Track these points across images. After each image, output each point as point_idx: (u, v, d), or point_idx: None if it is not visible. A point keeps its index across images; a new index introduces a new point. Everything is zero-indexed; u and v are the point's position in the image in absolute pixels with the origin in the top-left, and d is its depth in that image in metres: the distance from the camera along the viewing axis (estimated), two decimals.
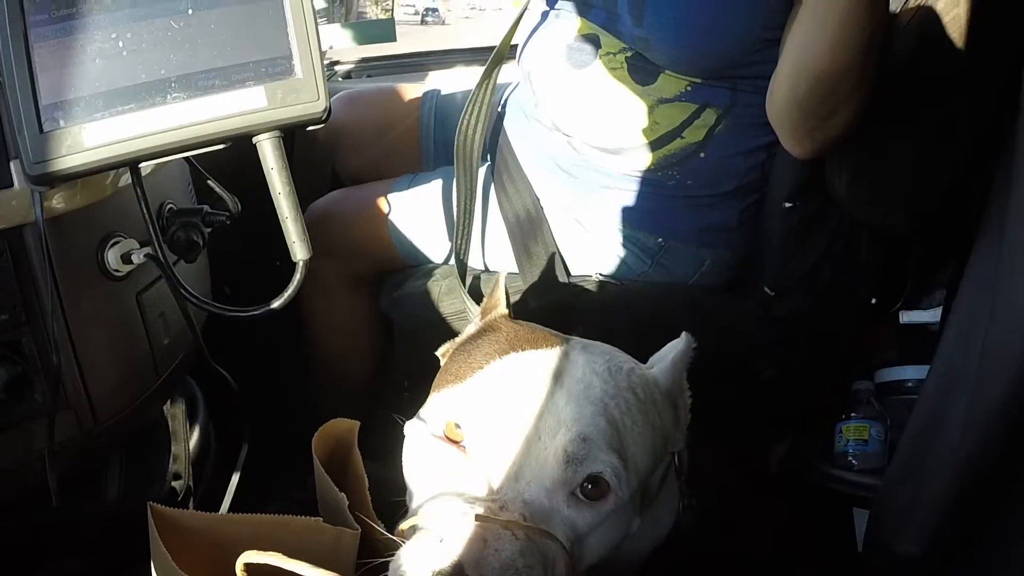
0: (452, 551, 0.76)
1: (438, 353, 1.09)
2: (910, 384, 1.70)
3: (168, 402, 1.44)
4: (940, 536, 1.01)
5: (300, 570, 0.72)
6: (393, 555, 0.80)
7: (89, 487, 1.30)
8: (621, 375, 0.93)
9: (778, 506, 1.34)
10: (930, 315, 1.73)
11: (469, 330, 1.09)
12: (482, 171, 1.59)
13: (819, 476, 1.65)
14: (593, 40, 1.52)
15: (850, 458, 1.62)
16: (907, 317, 1.75)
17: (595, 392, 0.89)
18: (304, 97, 0.90)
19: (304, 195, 0.98)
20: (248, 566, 0.74)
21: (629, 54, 1.48)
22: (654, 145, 1.49)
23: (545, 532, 0.81)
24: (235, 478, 1.28)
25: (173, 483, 1.37)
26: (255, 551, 0.73)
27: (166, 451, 1.39)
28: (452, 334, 1.12)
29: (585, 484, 0.85)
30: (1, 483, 1.08)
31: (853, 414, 1.66)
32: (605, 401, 0.88)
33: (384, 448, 1.00)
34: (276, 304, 1.02)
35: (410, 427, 0.95)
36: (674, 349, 1.01)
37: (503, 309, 1.08)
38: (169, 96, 0.87)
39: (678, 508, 1.03)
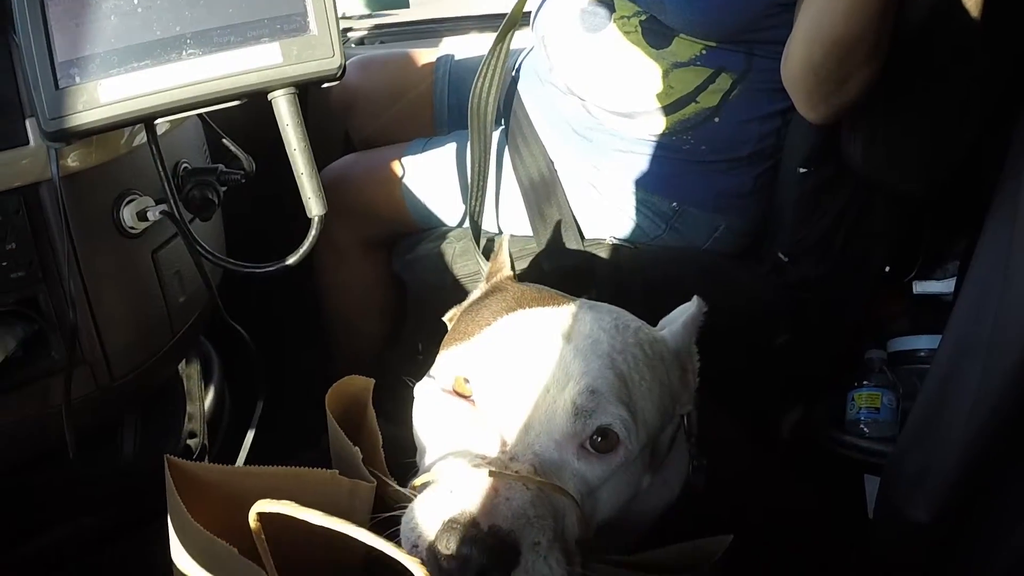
0: (464, 501, 0.77)
1: (445, 318, 1.10)
2: (922, 353, 1.70)
3: (183, 362, 1.45)
4: (951, 503, 1.01)
5: (312, 519, 0.72)
6: (405, 508, 0.81)
7: (105, 446, 1.32)
8: (628, 332, 0.94)
9: (789, 472, 1.34)
10: (943, 285, 1.74)
11: (475, 293, 1.09)
12: (496, 135, 1.58)
13: (831, 443, 1.65)
14: (607, 3, 1.51)
15: (862, 425, 1.63)
16: (920, 287, 1.76)
17: (602, 347, 0.89)
18: (319, 53, 0.89)
19: (317, 160, 0.98)
20: (262, 517, 0.74)
21: (643, 17, 1.47)
22: (668, 110, 1.49)
23: (556, 487, 0.82)
24: (250, 435, 1.30)
25: (188, 441, 1.39)
26: (268, 500, 0.73)
27: (181, 410, 1.40)
28: (465, 296, 1.13)
29: (595, 437, 0.86)
30: (19, 439, 1.09)
31: (865, 382, 1.66)
32: (612, 356, 0.89)
33: (397, 410, 1.00)
34: (291, 260, 1.02)
35: (420, 385, 0.96)
36: (685, 312, 1.02)
37: (508, 271, 1.08)
38: (184, 52, 0.87)
39: (688, 470, 1.04)
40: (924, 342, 1.72)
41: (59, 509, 1.29)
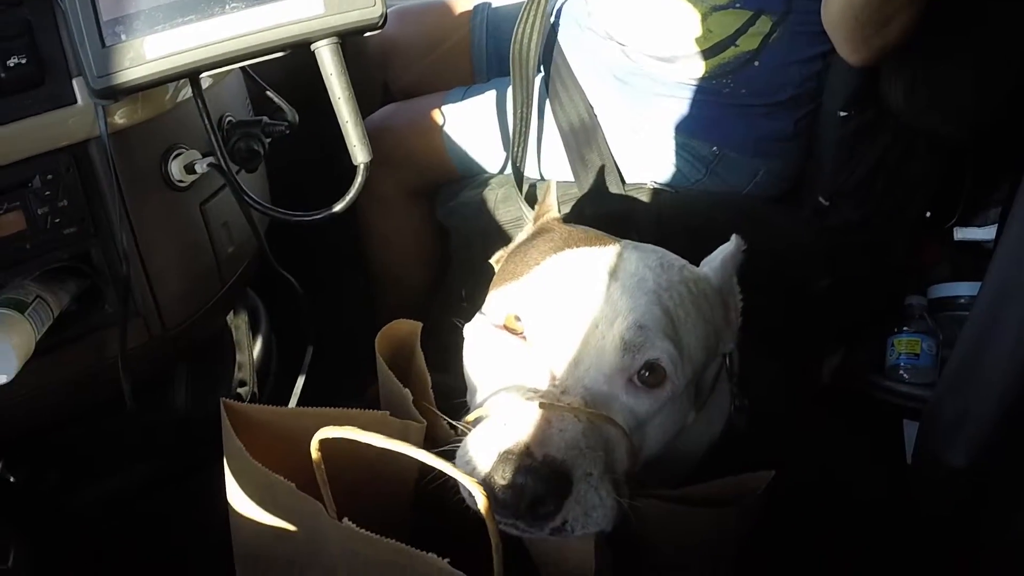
0: (517, 432, 0.79)
1: (492, 260, 1.11)
2: (963, 300, 1.70)
3: (232, 313, 1.48)
4: (989, 448, 1.02)
5: (375, 442, 0.74)
6: (459, 443, 0.83)
7: (158, 397, 1.35)
8: (673, 270, 0.96)
9: (829, 415, 1.35)
10: (984, 232, 1.73)
11: (521, 236, 1.11)
12: (536, 82, 1.58)
13: (870, 387, 1.66)
14: None
15: (901, 371, 1.63)
16: (961, 234, 1.75)
17: (648, 284, 0.91)
18: (360, 3, 0.90)
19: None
20: (322, 447, 0.77)
21: None
22: (708, 53, 1.47)
23: (606, 417, 0.84)
24: (300, 380, 1.32)
25: (239, 390, 1.42)
26: (331, 427, 0.75)
27: (231, 360, 1.44)
28: (508, 241, 1.14)
29: (643, 371, 0.88)
30: (76, 391, 1.12)
31: (905, 328, 1.66)
32: (658, 292, 0.91)
33: (441, 357, 1.02)
34: (338, 207, 1.03)
35: (471, 324, 0.99)
36: (724, 251, 1.03)
37: (555, 213, 1.10)
38: (228, 6, 0.88)
39: (730, 410, 1.05)
40: (964, 289, 1.71)
41: (115, 458, 1.34)
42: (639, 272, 0.92)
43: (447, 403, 0.95)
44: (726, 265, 1.02)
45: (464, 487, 0.80)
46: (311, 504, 0.78)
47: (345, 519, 0.77)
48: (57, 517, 1.30)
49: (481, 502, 0.73)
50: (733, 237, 1.03)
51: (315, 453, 0.76)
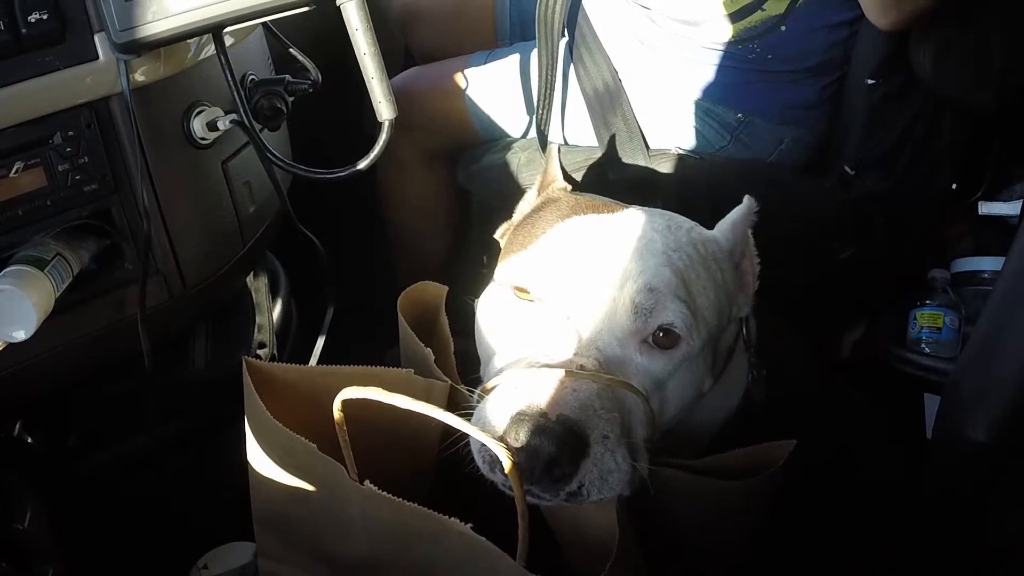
0: (531, 395, 0.78)
1: (496, 235, 1.11)
2: (986, 275, 1.69)
3: (252, 275, 1.48)
4: (1010, 423, 1.01)
5: (398, 402, 0.74)
6: (476, 406, 0.83)
7: (178, 358, 1.36)
8: (681, 232, 0.95)
9: (849, 388, 1.34)
10: (1009, 207, 1.71)
11: (527, 206, 1.10)
12: (560, 46, 1.57)
13: (891, 359, 1.65)
14: None
15: (923, 344, 1.62)
16: (986, 208, 1.73)
17: (657, 246, 0.91)
18: None
19: None
20: (344, 408, 0.76)
21: None
22: (734, 17, 1.45)
23: (621, 381, 0.83)
24: (321, 340, 1.33)
25: (258, 351, 1.43)
26: (354, 387, 0.75)
27: (251, 322, 1.44)
28: None
29: (657, 333, 0.87)
30: (95, 349, 1.12)
31: (928, 301, 1.65)
32: (668, 254, 0.90)
33: (459, 323, 1.02)
34: (362, 164, 1.03)
35: (483, 295, 0.98)
36: (735, 212, 1.02)
37: (561, 183, 1.09)
38: None
39: (748, 381, 1.05)
40: (988, 263, 1.70)
41: (135, 418, 1.35)
42: (647, 235, 0.92)
43: (467, 372, 0.95)
44: (736, 226, 1.01)
45: (479, 452, 0.80)
46: (332, 465, 0.78)
47: (367, 482, 0.77)
48: (74, 478, 1.31)
49: (506, 462, 0.72)
50: (745, 198, 1.02)
51: (337, 413, 0.76)
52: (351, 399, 0.76)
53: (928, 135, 1.49)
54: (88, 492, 1.31)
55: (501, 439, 0.76)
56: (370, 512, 0.79)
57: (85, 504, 1.29)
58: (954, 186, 1.63)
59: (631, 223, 0.94)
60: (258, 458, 0.86)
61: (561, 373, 0.80)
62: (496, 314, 0.95)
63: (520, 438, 0.75)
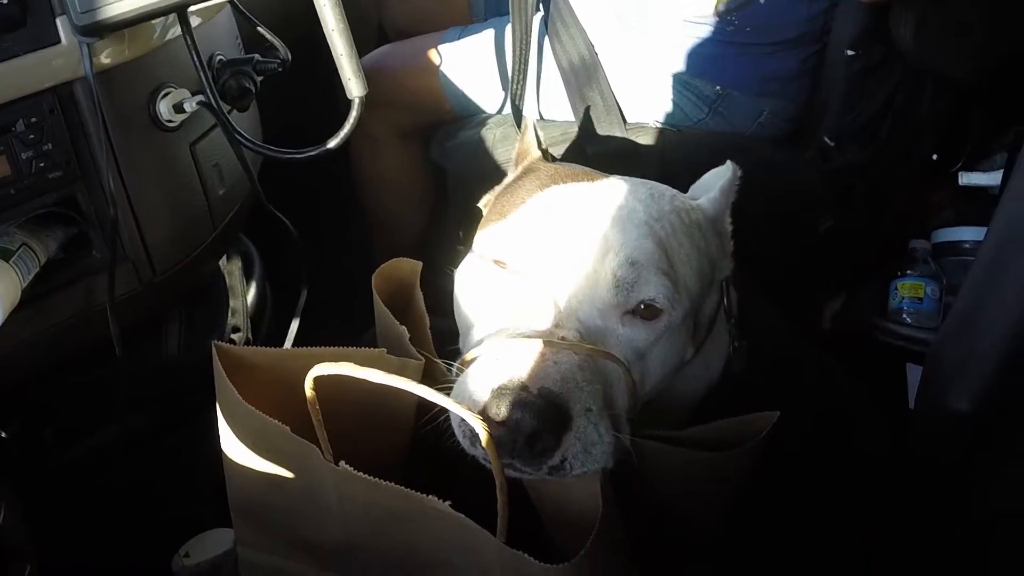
0: (512, 368, 0.77)
1: (480, 204, 1.10)
2: (967, 245, 1.69)
3: (224, 259, 1.46)
4: (992, 392, 1.01)
5: (372, 377, 0.73)
6: (455, 382, 0.82)
7: (150, 345, 1.34)
8: (664, 200, 0.93)
9: (830, 357, 1.34)
10: (989, 178, 1.71)
11: (508, 179, 1.09)
12: (536, 21, 1.55)
13: (872, 329, 1.65)
14: None
15: (904, 315, 1.63)
16: (966, 179, 1.73)
17: (639, 216, 0.89)
18: None
19: None
20: (317, 387, 0.75)
21: None
22: None
23: (603, 352, 0.82)
24: (295, 323, 1.31)
25: (232, 336, 1.41)
26: (326, 363, 0.73)
27: (224, 306, 1.42)
28: None
29: (638, 306, 0.86)
30: (64, 339, 1.11)
31: (909, 271, 1.66)
32: (650, 224, 0.89)
33: (440, 300, 1.01)
34: (332, 143, 1.02)
35: (461, 265, 0.97)
36: (720, 178, 1.01)
37: (536, 152, 1.07)
38: None
39: (729, 351, 1.04)
40: (969, 233, 1.70)
41: (107, 408, 1.33)
42: (628, 204, 0.90)
43: (444, 348, 0.93)
44: (724, 193, 1.00)
45: (459, 426, 0.79)
46: (306, 447, 0.77)
47: (342, 463, 0.75)
48: (48, 472, 1.29)
49: (483, 435, 0.71)
50: (728, 164, 1.01)
51: (309, 392, 0.75)
52: (323, 377, 0.74)
53: (908, 106, 1.49)
54: (65, 484, 1.29)
55: (482, 413, 0.75)
56: (347, 494, 0.78)
57: (63, 496, 1.28)
58: (935, 157, 1.63)
59: (612, 192, 0.93)
60: (231, 444, 0.85)
61: (542, 345, 0.79)
62: (475, 285, 0.93)
63: (501, 412, 0.74)
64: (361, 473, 0.75)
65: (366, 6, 1.96)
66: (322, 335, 1.04)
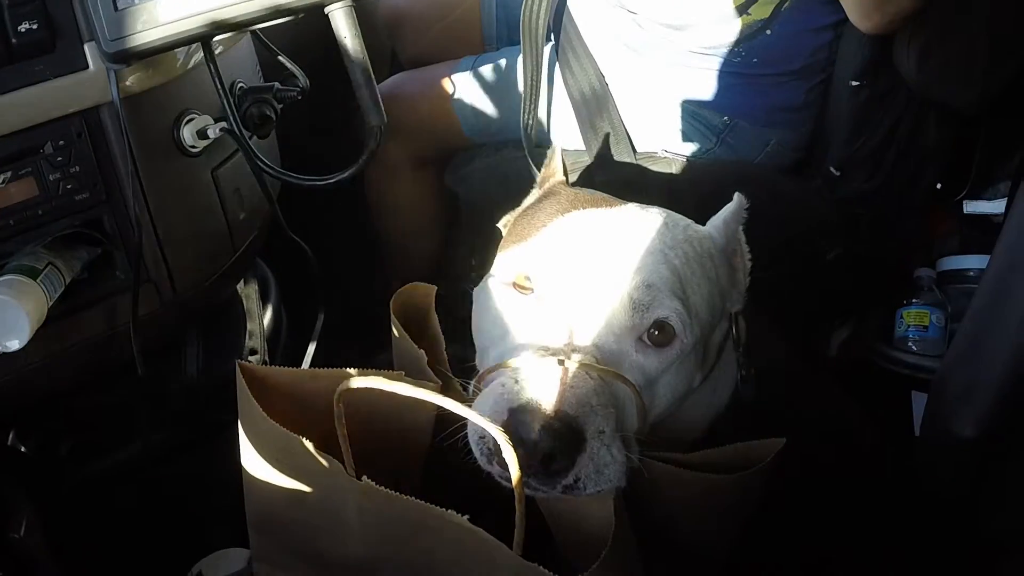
0: (530, 389, 0.79)
1: (499, 224, 1.12)
2: (972, 273, 1.70)
3: (242, 282, 1.48)
4: (996, 419, 1.02)
5: (400, 390, 0.75)
6: (472, 402, 0.84)
7: (170, 366, 1.35)
8: (678, 229, 0.96)
9: (836, 386, 1.35)
10: (993, 206, 1.72)
11: (529, 199, 1.11)
12: (547, 50, 1.58)
13: (878, 358, 1.66)
14: None
15: (910, 343, 1.64)
16: (971, 207, 1.74)
17: (654, 244, 0.92)
18: None
19: None
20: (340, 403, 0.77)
21: None
22: (720, 21, 1.46)
23: (617, 374, 0.84)
24: (312, 346, 1.33)
25: (250, 358, 1.42)
26: (357, 376, 0.76)
27: (242, 329, 1.44)
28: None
29: (652, 330, 0.88)
30: (87, 357, 1.12)
31: (914, 300, 1.67)
32: (665, 251, 0.91)
33: (451, 326, 1.03)
34: (351, 171, 1.04)
35: (480, 286, 0.99)
36: (727, 210, 1.03)
37: (560, 176, 1.10)
38: None
39: (736, 380, 1.06)
40: (973, 262, 1.71)
41: (125, 427, 1.34)
42: (645, 232, 0.93)
43: (457, 372, 0.95)
44: (728, 223, 1.02)
45: (476, 444, 0.81)
46: (329, 462, 0.79)
47: (364, 477, 0.77)
48: (68, 486, 1.30)
49: (504, 447, 0.73)
50: (736, 196, 1.03)
51: (337, 406, 0.77)
52: (344, 397, 0.76)
53: (913, 135, 1.50)
54: (82, 500, 1.31)
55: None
56: (367, 508, 0.80)
57: (80, 512, 1.29)
58: (939, 186, 1.64)
59: (629, 220, 0.95)
60: (252, 461, 0.86)
61: (559, 368, 0.81)
62: (493, 306, 0.95)
63: (519, 433, 0.76)
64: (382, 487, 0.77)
65: (380, 34, 1.99)
66: (336, 357, 1.06)
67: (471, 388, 0.88)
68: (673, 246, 0.93)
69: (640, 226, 0.94)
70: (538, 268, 0.91)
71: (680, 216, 1.00)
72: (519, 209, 1.11)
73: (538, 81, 1.54)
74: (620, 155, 1.55)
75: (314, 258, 1.28)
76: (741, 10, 1.45)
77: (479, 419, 0.75)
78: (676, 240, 0.94)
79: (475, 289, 1.00)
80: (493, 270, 0.99)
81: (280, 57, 1.23)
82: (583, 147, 1.59)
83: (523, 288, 0.92)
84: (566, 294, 0.89)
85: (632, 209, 0.98)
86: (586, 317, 0.87)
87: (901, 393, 1.63)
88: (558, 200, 1.01)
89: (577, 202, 0.99)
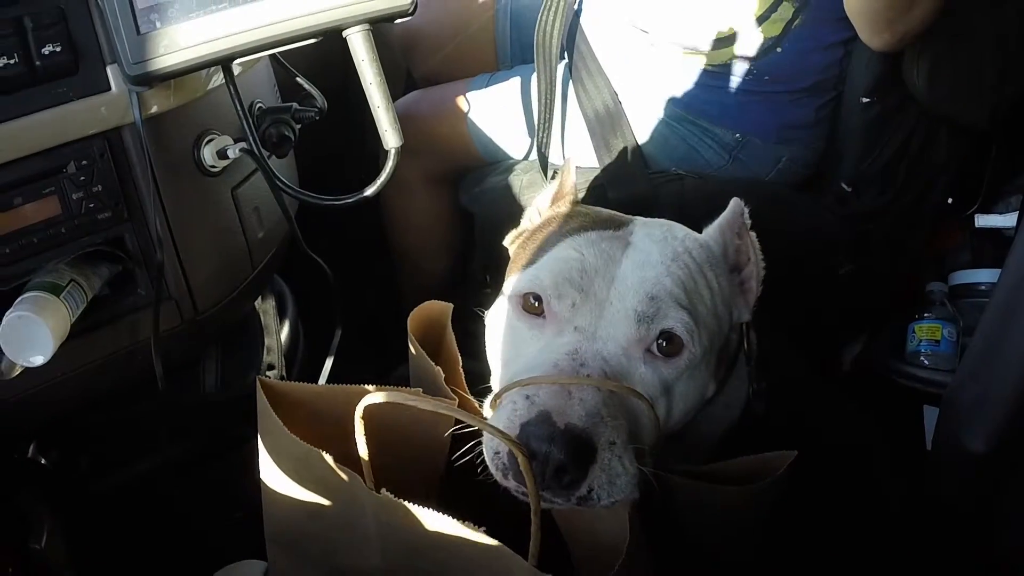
0: (539, 403, 0.82)
1: (506, 243, 1.13)
2: (983, 287, 1.70)
3: (260, 298, 1.50)
4: (1008, 434, 1.02)
5: (421, 404, 0.77)
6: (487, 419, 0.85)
7: (188, 381, 1.38)
8: (677, 241, 0.99)
9: (849, 401, 1.35)
10: (1005, 220, 1.72)
11: (536, 217, 1.13)
12: (560, 69, 1.59)
13: (890, 372, 1.66)
14: None
15: (922, 357, 1.63)
16: (982, 221, 1.74)
17: (655, 257, 0.95)
18: None
19: None
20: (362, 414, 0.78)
21: None
22: (731, 40, 1.48)
23: (627, 388, 0.87)
24: (329, 361, 1.34)
25: (267, 373, 1.44)
26: (379, 391, 0.78)
27: (259, 344, 1.46)
28: None
29: (660, 341, 0.91)
30: (109, 374, 1.13)
31: (927, 314, 1.66)
32: (666, 264, 0.94)
33: (466, 342, 1.04)
34: (369, 192, 1.05)
35: (492, 309, 1.02)
36: (722, 216, 1.05)
37: (571, 196, 1.11)
38: None
39: (748, 394, 1.07)
40: (985, 276, 1.71)
41: (145, 441, 1.36)
42: (646, 247, 0.96)
43: (474, 388, 0.98)
44: (723, 229, 1.04)
45: (492, 460, 0.83)
46: (349, 475, 0.80)
47: (383, 490, 0.79)
48: (88, 499, 1.32)
49: (520, 459, 0.75)
50: (732, 201, 1.05)
51: (359, 421, 0.78)
52: (363, 413, 0.78)
53: (923, 151, 1.51)
54: (102, 512, 1.32)
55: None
56: (385, 521, 0.81)
57: (99, 524, 1.31)
58: (950, 200, 1.65)
59: (632, 237, 0.99)
60: (272, 474, 0.88)
61: (568, 383, 0.84)
62: (505, 327, 0.98)
63: (531, 446, 0.78)
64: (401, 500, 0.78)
65: (395, 53, 2.00)
66: (352, 373, 1.08)
67: (486, 407, 0.91)
68: (674, 258, 0.96)
69: (641, 244, 0.97)
70: (546, 289, 0.94)
71: (680, 227, 1.03)
72: (528, 228, 1.12)
73: (552, 99, 1.56)
74: (633, 173, 1.56)
75: (331, 274, 1.30)
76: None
77: (492, 430, 0.78)
78: (676, 252, 0.97)
79: (487, 313, 1.03)
80: (503, 291, 1.01)
81: (298, 78, 1.24)
82: (597, 164, 1.60)
83: (532, 309, 0.94)
84: (573, 312, 0.92)
85: (635, 225, 1.01)
86: (593, 332, 0.90)
87: (913, 407, 1.63)
88: (564, 221, 1.04)
89: (583, 221, 1.02)
